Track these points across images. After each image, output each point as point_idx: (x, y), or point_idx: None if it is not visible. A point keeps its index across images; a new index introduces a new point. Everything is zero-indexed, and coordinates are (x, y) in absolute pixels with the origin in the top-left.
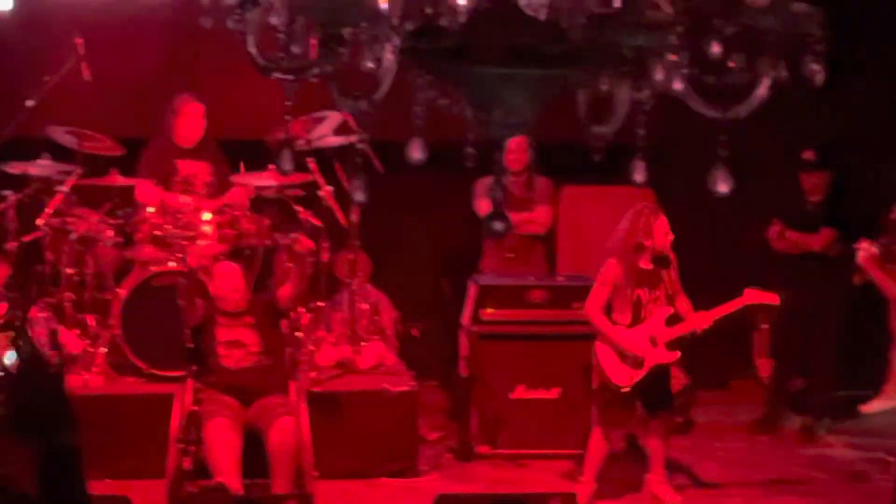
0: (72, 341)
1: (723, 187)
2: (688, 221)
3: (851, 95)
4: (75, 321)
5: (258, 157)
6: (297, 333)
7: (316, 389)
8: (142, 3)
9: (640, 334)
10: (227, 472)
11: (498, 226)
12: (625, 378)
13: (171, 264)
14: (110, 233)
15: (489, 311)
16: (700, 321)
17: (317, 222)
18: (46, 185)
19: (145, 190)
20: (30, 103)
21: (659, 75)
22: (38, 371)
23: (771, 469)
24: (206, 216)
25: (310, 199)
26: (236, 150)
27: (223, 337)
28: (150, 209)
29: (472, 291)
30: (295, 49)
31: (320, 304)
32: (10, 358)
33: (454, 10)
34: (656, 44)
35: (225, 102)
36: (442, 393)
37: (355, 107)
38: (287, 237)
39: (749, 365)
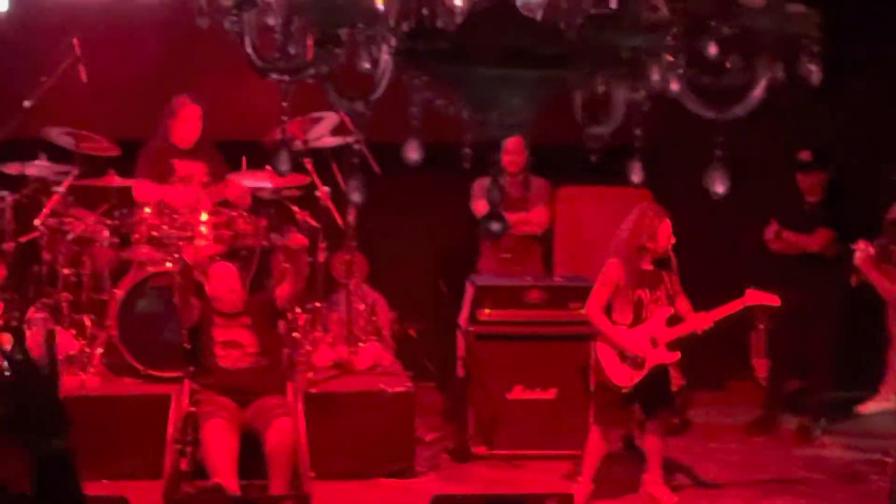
0: (68, 342)
1: (720, 188)
2: (685, 222)
3: (848, 96)
4: (72, 321)
5: (255, 157)
6: (294, 334)
7: (313, 390)
8: (138, 4)
9: (640, 335)
10: (224, 472)
11: (495, 226)
12: (625, 378)
13: (168, 265)
14: (107, 233)
15: (486, 311)
16: (701, 322)
17: (314, 223)
18: (43, 186)
19: (143, 189)
20: (27, 104)
21: (656, 76)
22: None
23: (768, 470)
24: (203, 216)
25: (307, 199)
26: (233, 151)
27: (220, 337)
28: (147, 210)
29: (469, 292)
30: (292, 50)
31: (317, 304)
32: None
33: (450, 11)
34: (653, 45)
35: (222, 103)
36: (439, 393)
37: (352, 108)
38: (280, 235)
39: (746, 365)
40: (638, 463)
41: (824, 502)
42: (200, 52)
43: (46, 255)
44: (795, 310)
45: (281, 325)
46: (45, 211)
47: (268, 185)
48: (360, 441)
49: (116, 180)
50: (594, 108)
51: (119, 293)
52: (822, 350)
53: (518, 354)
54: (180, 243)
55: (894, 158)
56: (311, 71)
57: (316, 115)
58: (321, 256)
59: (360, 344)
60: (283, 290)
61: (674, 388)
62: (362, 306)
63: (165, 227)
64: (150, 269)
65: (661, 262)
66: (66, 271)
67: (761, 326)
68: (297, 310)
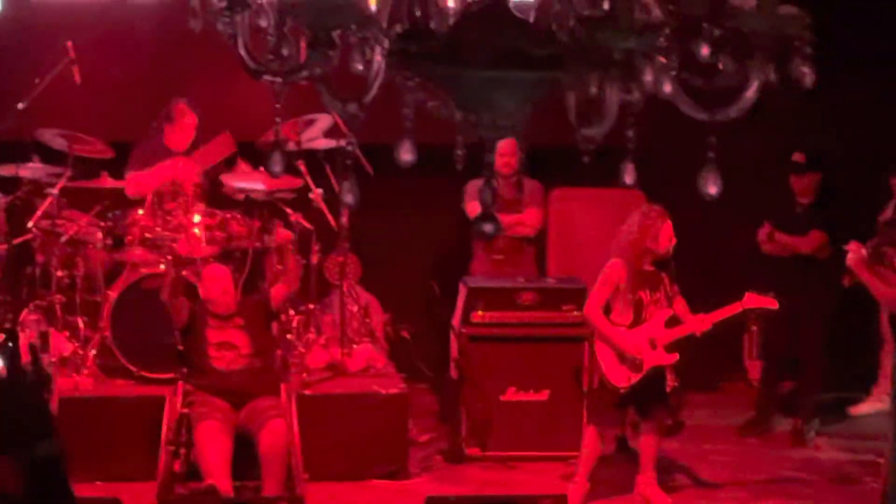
0: (62, 343)
1: (712, 189)
2: (677, 224)
3: (841, 98)
4: (65, 323)
5: (248, 159)
6: (287, 336)
7: (306, 392)
8: (132, 7)
9: (639, 336)
10: (218, 474)
11: (488, 228)
12: (622, 379)
13: (162, 266)
14: (100, 235)
15: (479, 313)
16: (699, 324)
17: (307, 224)
18: (37, 188)
19: (134, 181)
20: (20, 106)
21: (648, 77)
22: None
23: (761, 471)
24: (196, 218)
25: (300, 201)
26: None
27: (214, 339)
28: (140, 211)
29: (462, 293)
30: (285, 52)
31: (310, 306)
32: None
33: (443, 12)
34: (646, 46)
35: (215, 105)
36: (432, 395)
37: (345, 109)
38: (267, 233)
39: (739, 367)
40: (631, 464)
41: (817, 503)
42: (194, 55)
43: (40, 257)
44: (788, 311)
45: (274, 326)
46: (39, 213)
47: (261, 186)
48: (353, 442)
49: (110, 182)
50: (587, 110)
51: (112, 295)
52: (814, 352)
53: (511, 356)
54: (173, 245)
55: (887, 160)
56: (304, 73)
57: (309, 117)
58: (314, 258)
59: (354, 345)
60: (277, 291)
61: (667, 390)
62: (355, 308)
63: (159, 228)
64: (144, 270)
65: (661, 264)
66: (59, 273)
67: (754, 328)
68: (291, 311)
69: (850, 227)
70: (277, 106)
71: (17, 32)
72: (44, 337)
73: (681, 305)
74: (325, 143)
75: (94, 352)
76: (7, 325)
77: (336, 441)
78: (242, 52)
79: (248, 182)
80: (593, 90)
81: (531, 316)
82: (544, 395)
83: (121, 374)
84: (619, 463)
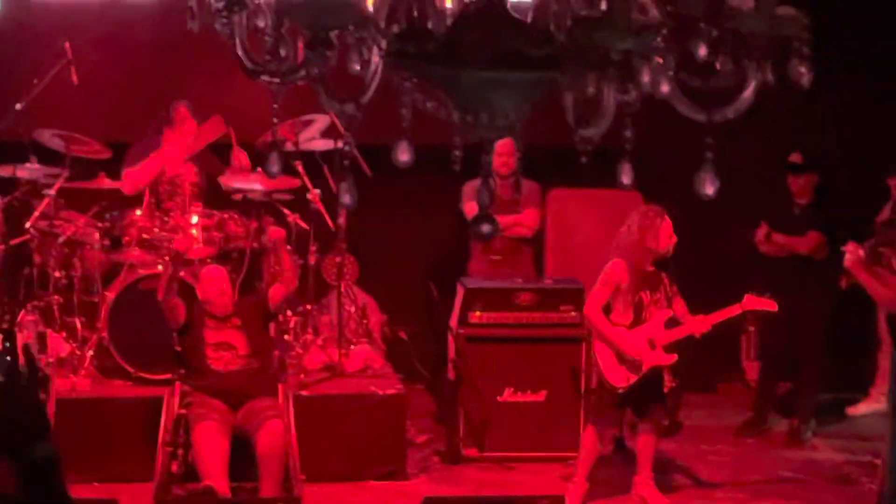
0: (59, 344)
1: (709, 189)
2: (674, 224)
3: (839, 98)
4: (63, 324)
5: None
6: (284, 336)
7: (304, 392)
8: (130, 7)
9: (639, 336)
10: (215, 475)
11: (485, 228)
12: (621, 379)
13: (160, 267)
14: (98, 236)
15: (476, 313)
16: (699, 325)
17: (304, 225)
18: (34, 189)
19: (129, 177)
20: (18, 106)
21: (646, 78)
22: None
23: (758, 471)
24: (194, 219)
25: (298, 202)
26: (225, 153)
27: (211, 339)
28: (138, 212)
29: (459, 294)
30: (282, 52)
31: (308, 307)
32: None
33: (441, 13)
34: (643, 47)
35: (213, 106)
36: (429, 396)
37: (342, 110)
38: (258, 230)
39: (736, 368)
40: (628, 465)
41: None
42: (192, 55)
43: (37, 258)
44: (785, 312)
45: (271, 327)
46: (36, 214)
47: (258, 187)
48: (350, 443)
49: (107, 183)
50: (584, 110)
51: (110, 296)
52: (812, 352)
53: (508, 357)
54: (170, 246)
55: (884, 161)
56: (302, 73)
57: (307, 117)
58: (312, 259)
59: (351, 346)
60: (276, 291)
61: (665, 390)
62: (353, 309)
63: (156, 229)
64: (141, 271)
65: (661, 264)
66: (56, 274)
67: (751, 329)
68: (288, 312)
69: (848, 228)
70: (275, 106)
71: (14, 33)
72: (41, 338)
73: (680, 306)
74: (322, 144)
75: (91, 352)
76: (5, 326)
77: (333, 442)
78: (240, 52)
79: (245, 182)
80: (591, 91)
81: (529, 317)
82: (542, 396)
83: (118, 375)
84: (617, 463)
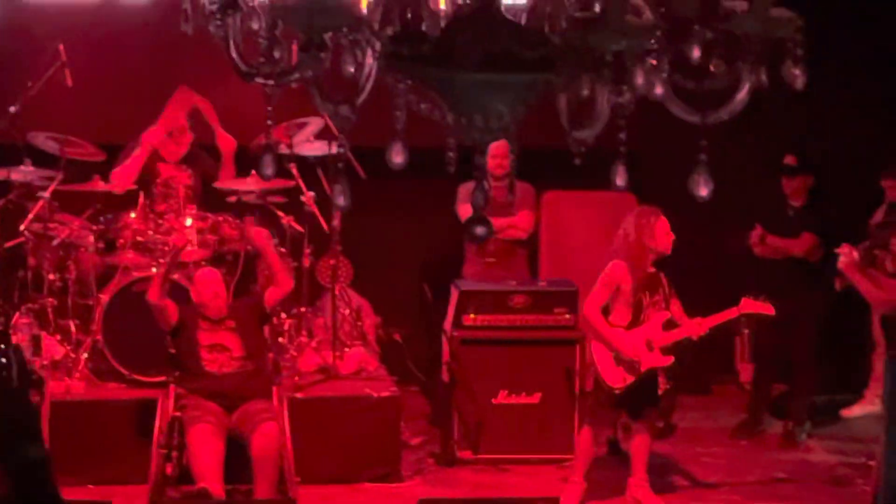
0: (54, 347)
1: (703, 191)
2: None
3: (833, 100)
4: (57, 327)
5: (240, 162)
6: (279, 339)
7: (298, 395)
8: (124, 10)
9: (637, 337)
10: (210, 477)
11: (479, 231)
12: (618, 380)
13: (154, 270)
14: (92, 238)
15: (471, 316)
16: (696, 328)
17: (299, 228)
18: (28, 191)
19: (117, 176)
20: (12, 109)
21: (640, 80)
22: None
23: (752, 473)
24: (188, 221)
25: (292, 204)
26: (220, 156)
27: (206, 341)
28: (132, 215)
29: (453, 296)
30: (276, 54)
31: (302, 309)
32: None
33: (435, 15)
34: (637, 48)
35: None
36: (424, 398)
37: (337, 112)
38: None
39: (731, 369)
40: (623, 467)
41: None
42: (186, 58)
43: (32, 261)
44: (780, 314)
45: (266, 329)
46: (30, 216)
47: (253, 189)
48: (345, 445)
49: (101, 185)
50: (578, 112)
51: (104, 298)
52: (806, 354)
53: (503, 359)
54: (165, 248)
55: (878, 163)
56: (296, 75)
57: (301, 120)
58: (306, 261)
59: (346, 349)
60: (272, 293)
61: (659, 392)
62: (347, 311)
63: (150, 232)
64: (136, 274)
65: (659, 265)
66: (51, 276)
67: (746, 331)
68: (282, 315)
69: (842, 230)
70: (269, 109)
71: (8, 36)
72: (35, 340)
73: (676, 307)
74: (317, 147)
75: (85, 355)
76: None
77: (328, 444)
78: (234, 54)
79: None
80: (585, 92)
81: (523, 319)
82: (536, 398)
83: (113, 378)
84: (611, 465)
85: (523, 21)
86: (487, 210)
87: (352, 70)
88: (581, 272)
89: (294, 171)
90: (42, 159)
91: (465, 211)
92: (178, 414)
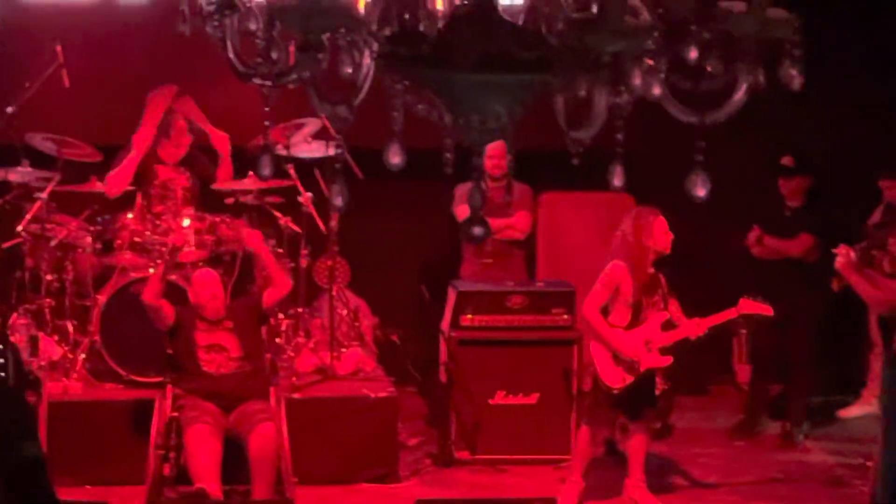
0: (51, 347)
1: (701, 192)
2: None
3: (830, 100)
4: (55, 327)
5: (238, 163)
6: (276, 339)
7: (296, 395)
8: (122, 10)
9: (635, 338)
10: (208, 478)
11: (477, 231)
12: (617, 380)
13: (151, 270)
14: (89, 239)
15: (468, 316)
16: (695, 328)
17: (296, 228)
18: (26, 192)
19: (111, 181)
20: (9, 110)
21: (637, 80)
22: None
23: (750, 473)
24: (186, 222)
25: (289, 205)
26: (217, 157)
27: (203, 342)
28: (130, 215)
29: (451, 297)
30: (274, 55)
31: (300, 310)
32: None
33: (432, 15)
34: (634, 49)
35: (205, 109)
36: (421, 399)
37: (334, 112)
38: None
39: (728, 370)
40: (620, 467)
41: None
42: (183, 58)
43: (29, 261)
44: (777, 315)
45: (263, 330)
46: (28, 217)
47: (251, 189)
48: (342, 446)
49: (99, 186)
50: (576, 113)
51: (102, 299)
52: (804, 355)
53: (500, 359)
54: (163, 249)
55: (875, 163)
56: (294, 76)
57: (299, 121)
58: (304, 262)
59: (343, 349)
60: (270, 294)
61: (657, 392)
62: (345, 312)
63: (148, 232)
64: (133, 274)
65: (659, 265)
66: (48, 277)
67: (743, 331)
68: (280, 315)
69: (839, 231)
70: (267, 109)
71: (5, 36)
72: (33, 341)
73: (675, 308)
74: (314, 148)
75: (83, 356)
76: None
77: (325, 444)
78: (231, 55)
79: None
80: (582, 93)
81: (520, 319)
82: (533, 399)
83: (110, 378)
84: (608, 466)
85: (521, 22)
86: (485, 211)
87: (349, 71)
88: (579, 273)
89: (291, 171)
90: (39, 160)
91: (462, 212)
92: (175, 414)
